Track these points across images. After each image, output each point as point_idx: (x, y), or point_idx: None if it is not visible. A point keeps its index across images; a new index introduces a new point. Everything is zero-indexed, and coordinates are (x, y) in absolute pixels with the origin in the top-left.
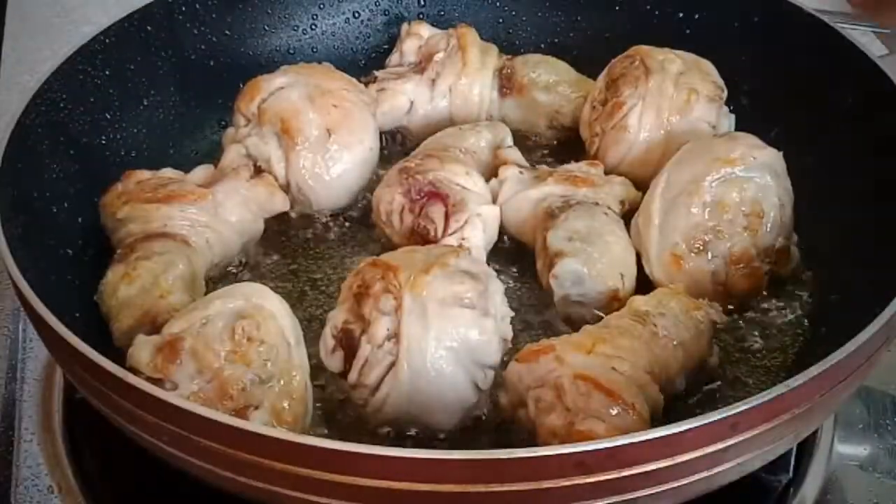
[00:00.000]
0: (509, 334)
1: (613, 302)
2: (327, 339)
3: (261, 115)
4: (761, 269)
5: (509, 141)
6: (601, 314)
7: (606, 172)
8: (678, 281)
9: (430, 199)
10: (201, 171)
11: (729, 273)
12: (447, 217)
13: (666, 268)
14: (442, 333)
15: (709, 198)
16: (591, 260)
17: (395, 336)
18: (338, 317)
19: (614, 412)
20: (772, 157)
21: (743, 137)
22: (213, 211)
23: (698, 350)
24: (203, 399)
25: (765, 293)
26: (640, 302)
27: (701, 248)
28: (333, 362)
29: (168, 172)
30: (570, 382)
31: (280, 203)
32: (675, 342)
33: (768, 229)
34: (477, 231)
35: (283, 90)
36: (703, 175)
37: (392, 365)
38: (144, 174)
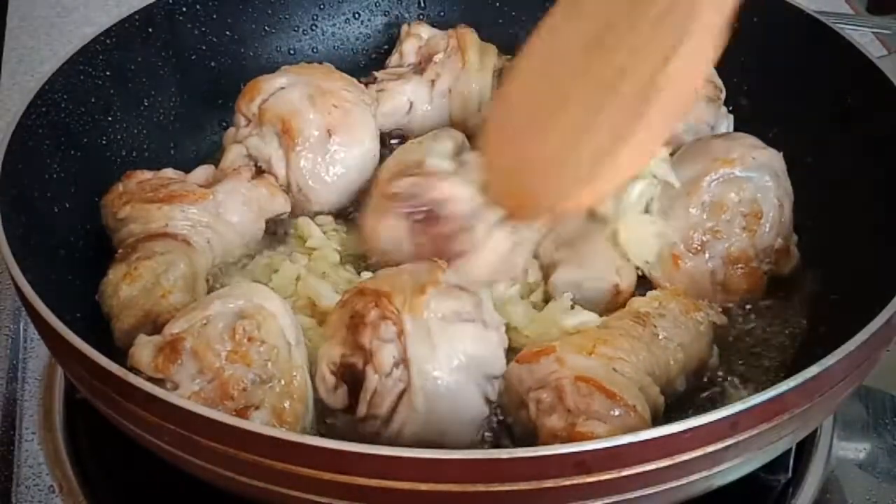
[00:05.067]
0: (505, 342)
1: (617, 297)
2: (326, 377)
3: (261, 116)
4: (760, 269)
5: (468, 145)
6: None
7: None
8: (677, 281)
9: (432, 220)
10: (202, 172)
11: (727, 273)
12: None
13: (664, 268)
14: (450, 351)
15: (707, 198)
16: (584, 263)
17: (402, 362)
18: (332, 352)
19: (616, 413)
20: (771, 157)
21: (742, 138)
22: (214, 211)
23: (698, 351)
24: (204, 399)
25: (764, 293)
26: (640, 303)
27: (699, 248)
28: (337, 399)
29: (169, 173)
30: (570, 384)
31: (281, 204)
32: (675, 343)
33: (767, 230)
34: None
35: (283, 90)
36: (701, 175)
37: (403, 392)
38: (145, 174)
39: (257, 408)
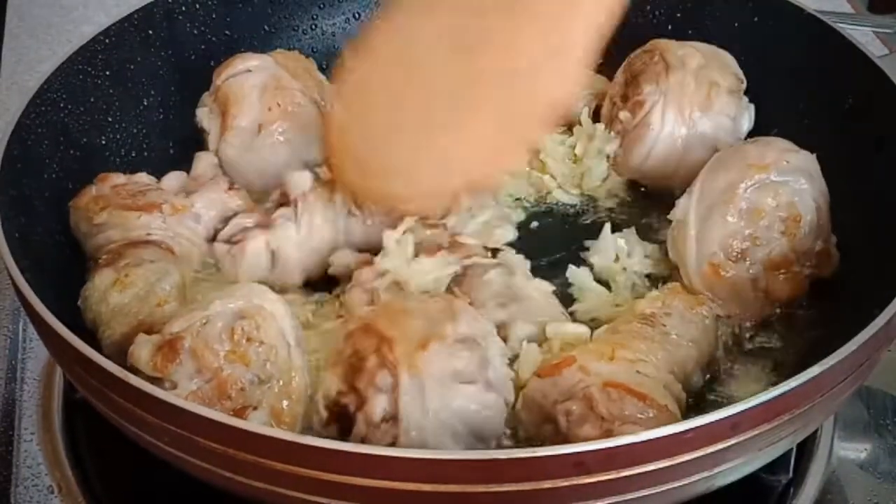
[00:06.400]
0: (511, 396)
1: None
2: (320, 411)
3: (217, 91)
4: (802, 273)
5: None
6: None
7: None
8: (718, 291)
9: None
10: (175, 178)
11: (769, 280)
12: None
13: (705, 278)
14: (443, 413)
15: (744, 205)
16: (533, 314)
17: (392, 418)
18: (330, 384)
19: (650, 415)
20: (805, 159)
21: (774, 142)
22: (192, 223)
23: (708, 345)
24: (201, 399)
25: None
26: (643, 305)
27: (739, 255)
28: (329, 435)
29: (143, 178)
30: (599, 391)
31: None
32: (687, 340)
33: (806, 233)
34: None
35: (247, 73)
36: (737, 182)
37: (391, 446)
38: (120, 178)
39: (255, 408)
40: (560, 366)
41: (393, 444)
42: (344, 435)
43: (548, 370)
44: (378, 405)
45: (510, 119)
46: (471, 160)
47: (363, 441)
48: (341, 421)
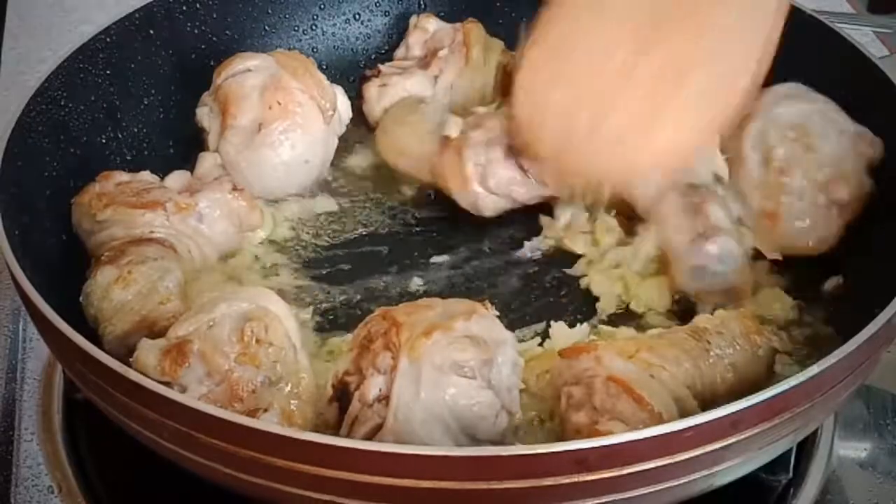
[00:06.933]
0: (516, 408)
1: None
2: (327, 388)
3: (217, 90)
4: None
5: None
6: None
7: None
8: (782, 236)
9: None
10: (179, 178)
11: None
12: None
13: (761, 231)
14: (432, 402)
15: (755, 155)
16: (743, 240)
17: (385, 398)
18: (341, 365)
19: (641, 418)
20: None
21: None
22: (195, 222)
23: (753, 374)
24: (213, 402)
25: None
26: (701, 319)
27: (779, 193)
28: (329, 413)
29: (147, 176)
30: (601, 383)
31: (258, 218)
32: (725, 362)
33: (822, 144)
34: None
35: (248, 73)
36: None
37: (379, 427)
38: (123, 176)
39: (266, 410)
40: (580, 350)
41: (380, 426)
42: (342, 414)
43: (568, 352)
44: (374, 385)
45: (707, 98)
46: (667, 140)
47: (355, 421)
48: (341, 400)
